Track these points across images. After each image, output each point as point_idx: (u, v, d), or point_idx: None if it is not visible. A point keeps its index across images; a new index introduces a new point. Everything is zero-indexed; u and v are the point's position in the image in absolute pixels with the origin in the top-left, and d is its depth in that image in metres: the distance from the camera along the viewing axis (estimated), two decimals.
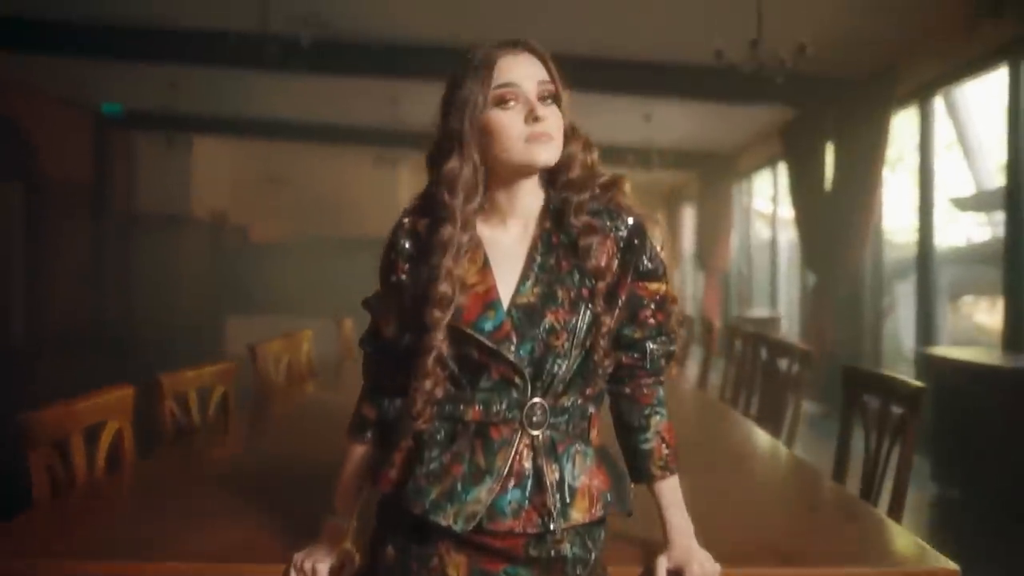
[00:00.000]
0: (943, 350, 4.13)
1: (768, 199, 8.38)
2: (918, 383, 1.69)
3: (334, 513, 1.13)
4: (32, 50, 5.88)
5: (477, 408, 0.99)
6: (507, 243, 1.06)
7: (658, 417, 1.09)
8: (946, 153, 5.44)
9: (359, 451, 1.12)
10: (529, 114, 1.00)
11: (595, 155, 1.09)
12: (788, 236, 7.62)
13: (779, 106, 6.03)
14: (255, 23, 4.23)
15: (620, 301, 1.05)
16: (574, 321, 1.00)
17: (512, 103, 1.01)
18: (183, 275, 9.45)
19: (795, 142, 6.34)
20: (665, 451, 1.08)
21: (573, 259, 1.03)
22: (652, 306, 1.08)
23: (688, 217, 10.69)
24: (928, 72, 4.85)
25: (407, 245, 1.05)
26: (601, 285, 1.02)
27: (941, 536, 3.47)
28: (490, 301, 1.00)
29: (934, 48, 4.73)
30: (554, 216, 1.06)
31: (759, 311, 8.10)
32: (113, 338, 8.29)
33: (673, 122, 7.46)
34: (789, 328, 7.49)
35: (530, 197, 1.07)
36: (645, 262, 1.07)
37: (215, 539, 1.25)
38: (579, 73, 4.16)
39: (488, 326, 0.99)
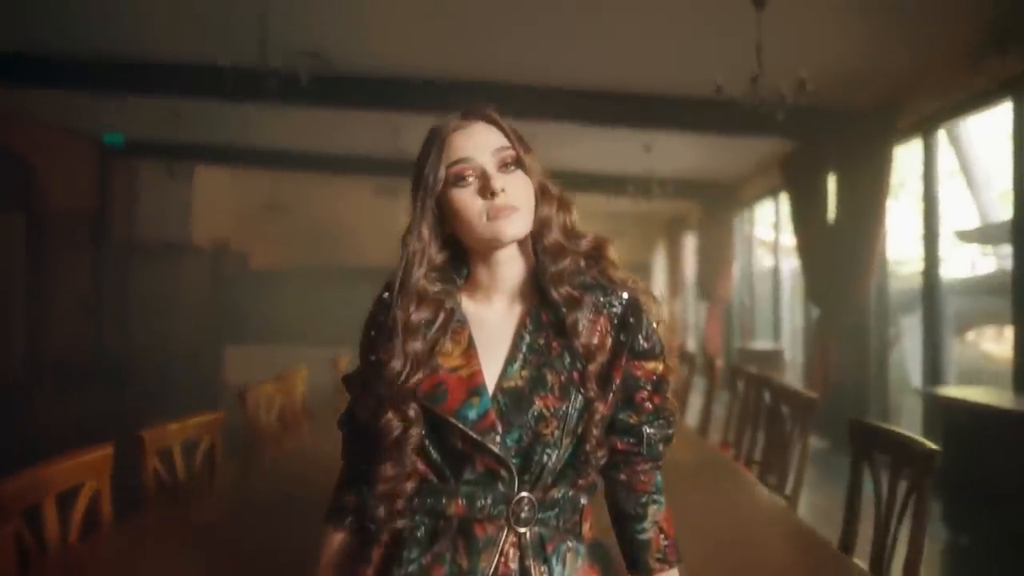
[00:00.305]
0: (952, 390, 4.05)
1: (770, 226, 8.34)
2: (931, 445, 1.62)
3: None
4: (35, 83, 5.90)
5: (460, 502, 0.92)
6: (493, 320, 1.00)
7: (656, 506, 1.02)
8: (948, 181, 5.40)
9: (337, 538, 1.05)
10: (485, 189, 0.95)
11: (573, 216, 1.02)
12: (791, 264, 7.57)
13: (780, 138, 6.01)
14: (255, 57, 4.22)
15: (615, 385, 0.98)
16: (564, 407, 0.94)
17: (469, 178, 0.96)
18: (183, 303, 9.41)
19: (795, 174, 6.31)
20: (663, 542, 1.01)
21: (563, 338, 0.97)
22: (649, 387, 1.02)
23: (689, 246, 10.65)
24: (931, 106, 4.82)
25: (386, 321, 0.99)
26: (592, 367, 0.95)
27: None
28: (474, 387, 0.94)
29: (937, 82, 4.71)
30: (540, 289, 1.00)
31: (762, 343, 8.01)
32: (112, 366, 8.23)
33: (674, 152, 7.44)
34: (792, 360, 7.41)
35: (510, 268, 1.01)
36: (641, 342, 1.00)
37: None
38: (580, 105, 4.15)
39: (472, 414, 0.92)
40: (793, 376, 7.24)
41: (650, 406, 1.02)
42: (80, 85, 5.81)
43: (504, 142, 0.99)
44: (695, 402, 4.64)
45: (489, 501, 0.92)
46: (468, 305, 1.01)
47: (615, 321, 0.99)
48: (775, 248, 8.21)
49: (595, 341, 0.97)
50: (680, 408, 4.20)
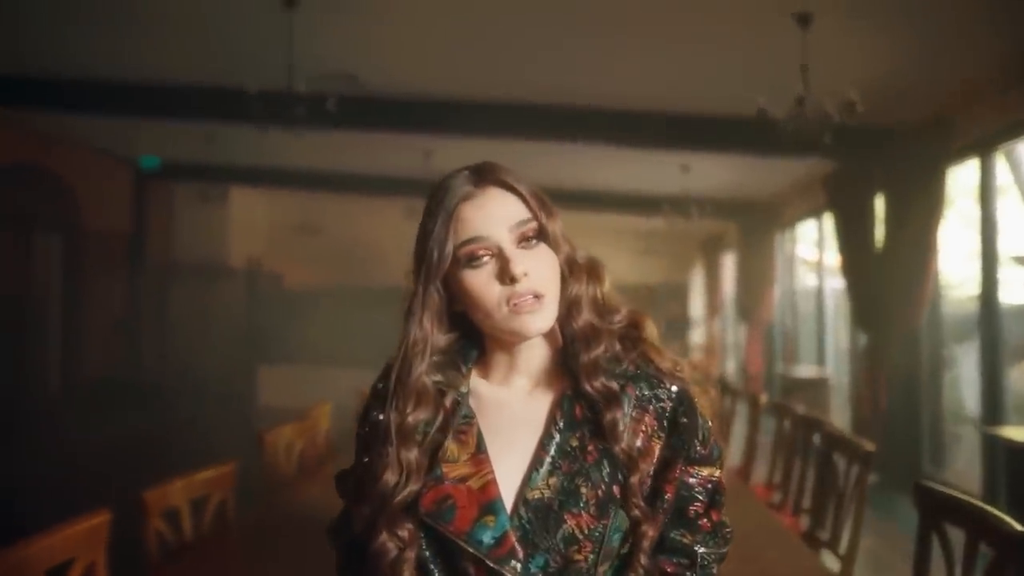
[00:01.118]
0: (1013, 431, 3.77)
1: (813, 244, 8.05)
2: (1018, 527, 1.42)
3: None
4: (73, 108, 5.96)
5: None
6: (513, 409, 0.85)
7: None
8: (1000, 199, 5.11)
9: None
10: (504, 273, 0.80)
11: (604, 287, 0.86)
12: (835, 285, 7.28)
13: (823, 158, 5.78)
14: (283, 82, 4.17)
15: (667, 502, 0.82)
16: (601, 528, 0.78)
17: (484, 258, 0.81)
18: (218, 323, 9.46)
19: (840, 194, 6.05)
20: None
21: (602, 441, 0.80)
22: (703, 498, 0.85)
23: (728, 265, 10.38)
24: (988, 125, 4.56)
25: (382, 417, 0.84)
26: (635, 478, 0.79)
27: None
28: (488, 501, 0.79)
29: (994, 101, 4.45)
30: (573, 373, 0.84)
31: (805, 369, 7.70)
32: (148, 386, 8.27)
33: (711, 172, 7.23)
34: (838, 386, 7.10)
35: (534, 351, 0.86)
36: (697, 446, 0.84)
37: None
38: (616, 125, 4.04)
39: (486, 538, 0.77)
40: (839, 404, 6.93)
41: (707, 523, 0.86)
42: (116, 110, 5.86)
43: (524, 213, 0.83)
44: (738, 431, 4.43)
45: None
46: (482, 388, 0.86)
47: (664, 422, 0.83)
48: (819, 268, 7.92)
49: (639, 444, 0.81)
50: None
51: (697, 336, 11.40)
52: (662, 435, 0.83)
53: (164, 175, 8.55)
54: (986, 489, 4.41)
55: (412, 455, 0.80)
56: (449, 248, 0.82)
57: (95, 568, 1.50)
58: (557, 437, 0.82)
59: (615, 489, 0.79)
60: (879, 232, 5.57)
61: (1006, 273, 5.09)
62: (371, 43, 4.62)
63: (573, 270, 0.85)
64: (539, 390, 0.86)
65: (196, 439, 6.29)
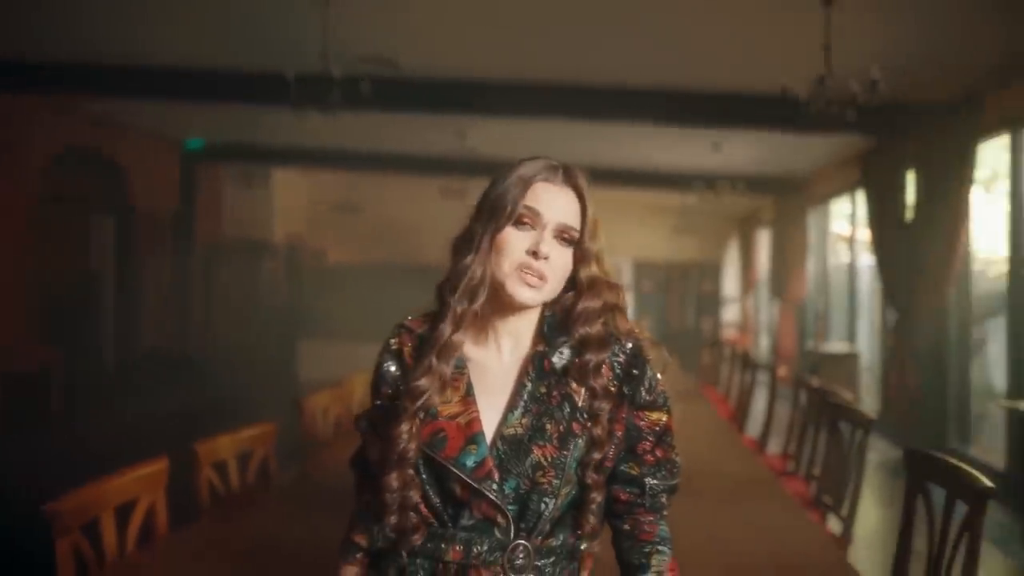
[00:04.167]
0: None
1: (847, 219, 8.00)
2: (986, 482, 1.54)
3: None
4: (125, 93, 6.23)
5: (457, 548, 0.95)
6: (495, 367, 1.02)
7: (660, 556, 1.02)
8: None
9: (351, 572, 1.09)
10: (534, 245, 0.97)
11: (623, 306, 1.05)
12: (867, 261, 7.25)
13: (851, 135, 5.77)
14: (320, 66, 4.34)
15: (616, 437, 0.99)
16: (563, 457, 0.95)
17: (528, 226, 0.98)
18: (261, 299, 9.80)
19: (875, 171, 6.04)
20: None
21: (564, 388, 0.98)
22: (652, 438, 1.02)
23: (763, 242, 10.35)
24: (1019, 101, 4.53)
25: (392, 368, 1.03)
26: (598, 455, 0.97)
27: None
28: (472, 434, 0.96)
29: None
30: (544, 336, 1.02)
31: (836, 345, 7.70)
32: (198, 358, 8.63)
33: (743, 150, 7.24)
34: (870, 364, 7.11)
35: (523, 318, 1.03)
36: (643, 393, 1.01)
37: None
38: (648, 104, 4.14)
39: (469, 462, 0.95)
40: (869, 382, 6.95)
41: (652, 458, 1.03)
42: (164, 94, 6.10)
43: (576, 221, 1.00)
44: (759, 405, 4.53)
45: (485, 548, 0.94)
46: (470, 350, 1.03)
47: (618, 371, 1.00)
48: (851, 243, 7.87)
49: (602, 383, 0.99)
50: (741, 418, 4.11)
51: (730, 314, 11.41)
52: (616, 383, 1.00)
53: (210, 156, 8.84)
54: (1010, 463, 4.46)
55: (447, 369, 0.97)
56: (520, 206, 0.98)
57: (156, 507, 1.71)
58: (529, 386, 0.99)
59: (574, 426, 0.97)
60: (909, 209, 5.56)
61: None
62: (406, 26, 4.75)
63: (592, 286, 1.01)
64: (518, 349, 1.03)
65: (241, 410, 6.60)
